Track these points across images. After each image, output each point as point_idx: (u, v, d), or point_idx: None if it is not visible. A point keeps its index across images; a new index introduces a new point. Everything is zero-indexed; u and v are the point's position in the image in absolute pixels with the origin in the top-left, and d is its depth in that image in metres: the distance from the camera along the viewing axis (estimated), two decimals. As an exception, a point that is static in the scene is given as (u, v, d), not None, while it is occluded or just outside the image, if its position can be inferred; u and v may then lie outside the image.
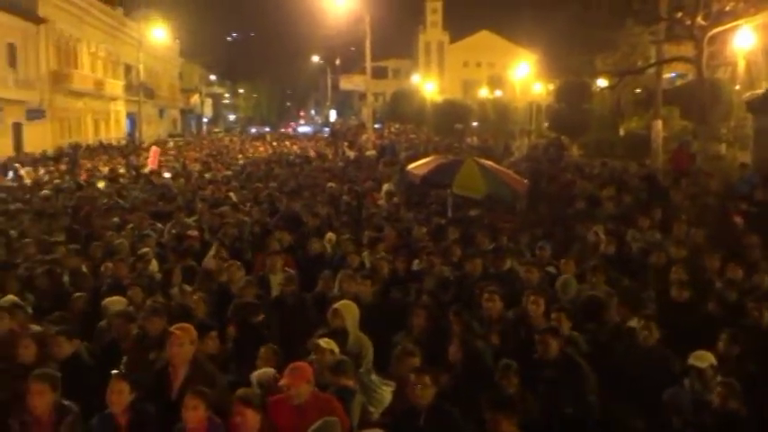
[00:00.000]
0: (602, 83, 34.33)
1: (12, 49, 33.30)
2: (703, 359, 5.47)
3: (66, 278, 8.47)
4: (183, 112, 72.84)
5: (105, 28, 46.93)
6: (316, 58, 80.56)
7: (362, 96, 58.78)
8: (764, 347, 6.04)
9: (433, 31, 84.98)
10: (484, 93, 64.42)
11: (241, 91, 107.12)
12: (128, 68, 50.77)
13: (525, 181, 12.93)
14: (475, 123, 52.57)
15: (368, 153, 29.15)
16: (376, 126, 51.65)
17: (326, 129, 65.84)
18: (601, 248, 9.52)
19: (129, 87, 49.49)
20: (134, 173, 22.18)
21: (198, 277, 8.38)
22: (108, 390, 4.76)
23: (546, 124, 44.56)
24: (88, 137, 41.78)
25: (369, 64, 36.91)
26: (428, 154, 20.54)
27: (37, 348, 5.75)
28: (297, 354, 5.70)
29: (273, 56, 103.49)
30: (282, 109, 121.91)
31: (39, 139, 34.20)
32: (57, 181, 19.60)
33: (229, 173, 21.38)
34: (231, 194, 15.02)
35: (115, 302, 7.02)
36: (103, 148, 36.14)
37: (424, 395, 4.92)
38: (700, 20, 18.46)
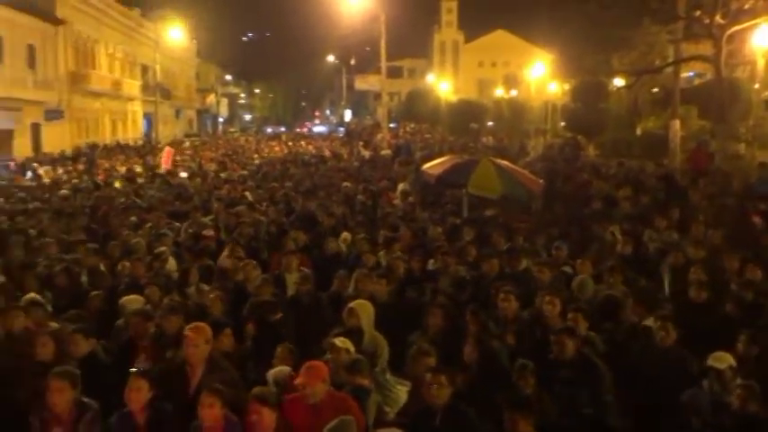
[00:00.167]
0: (618, 82, 34.08)
1: (31, 51, 33.69)
2: (722, 360, 5.42)
3: (84, 277, 8.57)
4: (199, 112, 73.29)
5: (123, 29, 47.34)
6: (331, 58, 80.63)
7: (377, 96, 58.87)
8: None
9: (448, 31, 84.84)
10: (499, 92, 64.20)
11: (257, 91, 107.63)
12: (144, 69, 51.19)
13: (541, 181, 12.87)
14: (490, 123, 52.41)
15: (383, 153, 29.17)
16: (391, 126, 51.64)
17: (341, 128, 65.95)
18: (617, 249, 9.46)
19: (145, 88, 49.89)
20: (150, 173, 22.34)
21: (214, 276, 8.44)
22: (126, 388, 4.80)
23: (562, 124, 44.34)
24: (105, 137, 42.17)
25: (384, 64, 36.94)
26: (443, 154, 20.50)
27: (55, 346, 5.81)
28: (312, 353, 5.72)
29: (289, 56, 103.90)
30: (298, 109, 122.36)
31: (57, 139, 34.58)
32: (75, 181, 19.79)
33: (245, 172, 21.48)
34: (247, 194, 15.08)
35: (132, 301, 7.07)
36: (120, 148, 36.44)
37: (440, 395, 4.91)
38: (718, 18, 18.28)
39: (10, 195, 15.90)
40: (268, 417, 4.60)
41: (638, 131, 33.07)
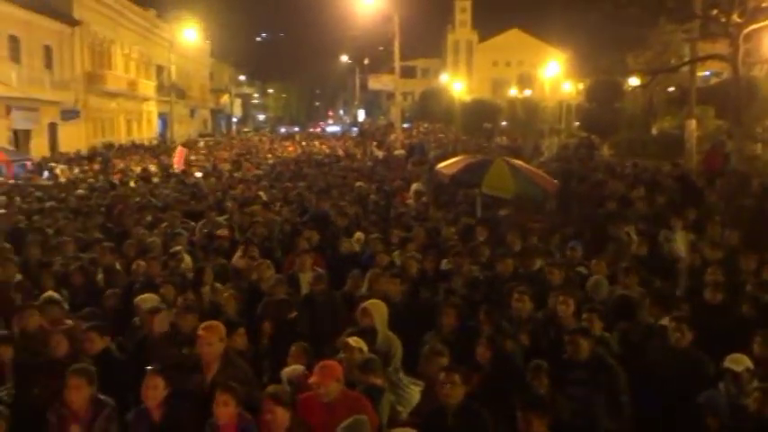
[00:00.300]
0: (633, 81, 33.86)
1: (48, 52, 34.04)
2: (739, 362, 5.37)
3: (99, 275, 8.64)
4: (213, 112, 73.69)
5: (138, 29, 47.70)
6: (344, 58, 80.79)
7: (391, 96, 58.79)
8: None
9: (462, 31, 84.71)
10: (513, 92, 64.00)
11: (270, 91, 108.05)
12: (160, 69, 51.56)
13: (555, 181, 12.81)
14: (504, 123, 52.29)
15: (396, 152, 29.15)
16: (404, 126, 51.66)
17: (355, 128, 66.00)
18: (632, 249, 9.41)
19: (160, 88, 50.25)
20: (165, 172, 22.49)
21: (229, 276, 8.49)
22: (143, 385, 4.85)
23: (576, 124, 44.15)
24: (121, 137, 42.52)
25: (397, 63, 36.90)
26: (457, 153, 20.46)
27: (69, 344, 5.87)
28: (326, 352, 5.73)
29: (302, 56, 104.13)
30: (311, 109, 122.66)
31: (73, 138, 34.90)
32: (91, 180, 19.95)
33: (260, 172, 21.56)
34: (261, 194, 15.14)
35: (147, 300, 7.12)
36: (135, 148, 36.72)
37: (453, 394, 4.91)
38: (735, 17, 18.11)
39: (27, 195, 16.05)
40: (282, 415, 4.62)
41: (654, 131, 32.85)
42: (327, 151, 34.20)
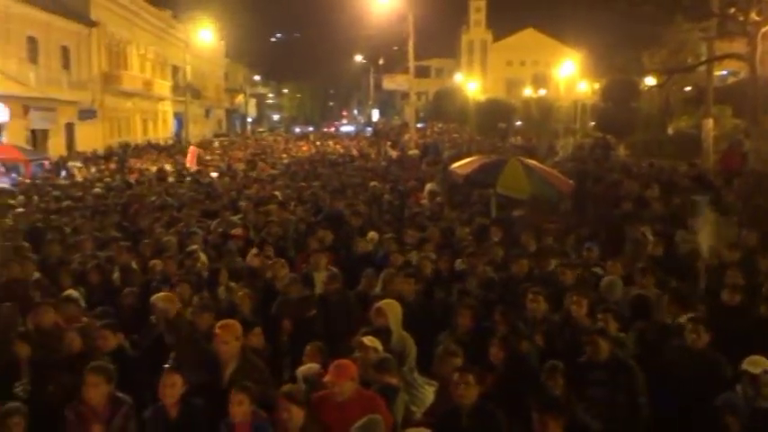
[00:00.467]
0: (649, 81, 33.63)
1: (65, 52, 34.37)
2: (757, 364, 5.32)
3: (116, 274, 8.71)
4: (228, 112, 74.01)
5: (154, 30, 48.04)
6: (359, 58, 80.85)
7: (405, 96, 58.84)
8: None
9: (476, 30, 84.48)
10: (528, 92, 63.77)
11: (285, 91, 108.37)
12: (175, 69, 51.87)
13: (570, 181, 12.75)
14: (518, 123, 52.13)
15: (411, 152, 29.14)
16: (419, 125, 51.60)
17: (369, 128, 66.05)
18: (648, 250, 9.34)
19: (176, 88, 50.55)
20: (180, 172, 22.63)
21: (243, 275, 8.53)
22: (161, 383, 4.90)
23: (591, 123, 43.91)
24: (137, 136, 42.83)
25: (412, 63, 36.93)
26: (471, 153, 20.42)
27: (82, 341, 5.93)
28: (341, 351, 5.75)
29: (317, 56, 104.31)
30: (325, 109, 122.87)
31: (90, 138, 35.22)
32: (107, 179, 20.13)
33: (275, 172, 21.64)
34: (277, 193, 15.20)
35: (163, 298, 7.16)
36: (151, 148, 36.98)
37: (467, 394, 4.91)
38: (753, 15, 17.94)
39: (45, 194, 16.22)
40: (297, 414, 4.66)
41: (670, 131, 32.59)
42: (342, 151, 34.24)
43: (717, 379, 5.62)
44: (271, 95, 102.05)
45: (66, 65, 34.38)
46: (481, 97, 60.98)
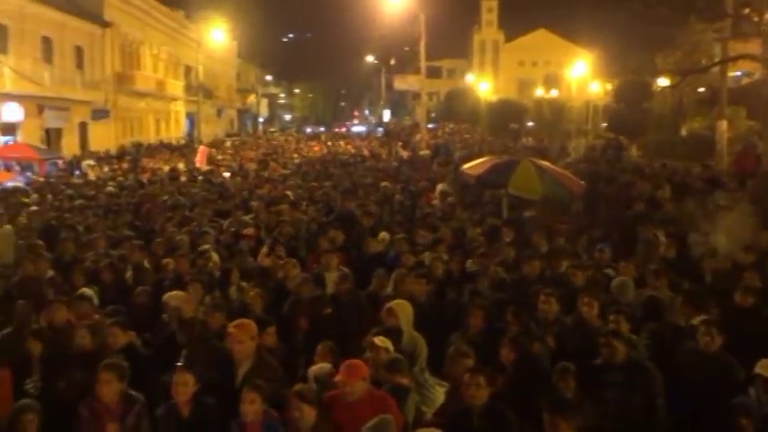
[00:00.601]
0: (663, 82, 33.42)
1: (79, 52, 34.63)
2: (770, 368, 5.28)
3: (128, 273, 8.77)
4: (239, 111, 74.25)
5: (167, 30, 48.28)
6: (370, 58, 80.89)
7: (416, 96, 58.78)
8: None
9: (488, 30, 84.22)
10: (539, 92, 63.56)
11: (297, 91, 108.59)
12: (188, 69, 52.12)
13: (582, 182, 12.71)
14: (530, 123, 51.97)
15: (422, 153, 29.14)
16: (430, 126, 51.57)
17: (380, 128, 66.07)
18: (661, 251, 9.29)
19: (188, 88, 50.79)
20: (191, 171, 22.74)
21: (255, 275, 8.57)
22: (173, 381, 4.93)
23: (604, 124, 43.72)
24: (149, 136, 43.07)
25: (423, 64, 36.92)
26: (482, 154, 20.38)
27: (93, 338, 5.98)
28: (352, 351, 5.76)
29: (329, 56, 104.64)
30: (337, 109, 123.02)
31: (103, 137, 35.46)
32: (120, 178, 20.26)
33: (286, 171, 21.70)
34: (289, 193, 15.24)
35: (175, 297, 7.22)
36: (163, 147, 37.17)
37: (478, 395, 4.90)
38: (768, 16, 17.80)
39: (59, 192, 16.35)
40: (308, 413, 4.68)
41: (683, 132, 32.39)
42: (353, 151, 34.27)
43: (730, 382, 5.58)
44: (282, 95, 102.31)
45: (79, 65, 34.63)
46: (493, 98, 60.84)
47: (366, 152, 32.28)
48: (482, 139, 39.38)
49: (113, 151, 33.14)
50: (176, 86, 49.16)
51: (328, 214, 12.65)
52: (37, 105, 28.82)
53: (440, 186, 15.67)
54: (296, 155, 32.21)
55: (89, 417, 4.89)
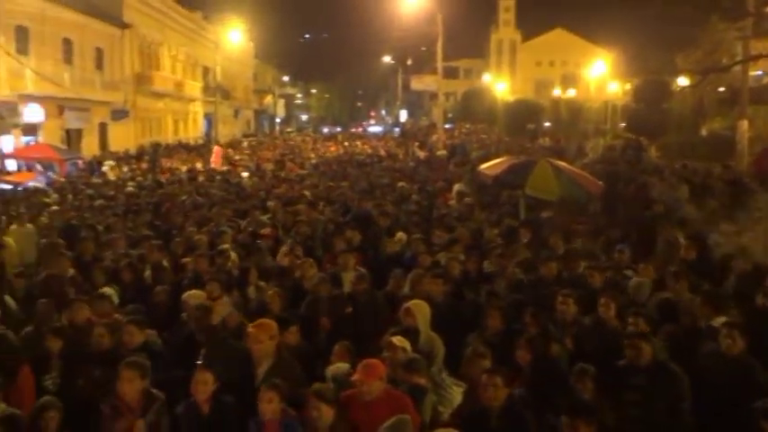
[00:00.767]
0: (683, 81, 33.09)
1: (99, 54, 35.01)
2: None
3: (147, 272, 8.84)
4: (256, 112, 74.58)
5: (185, 32, 48.63)
6: (387, 59, 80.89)
7: (433, 96, 58.73)
8: None
9: (505, 30, 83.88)
10: (557, 92, 63.18)
11: (313, 91, 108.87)
12: (205, 70, 52.45)
13: (600, 183, 12.62)
14: (547, 123, 51.70)
15: (438, 153, 29.10)
16: (446, 126, 51.47)
17: (397, 129, 66.03)
18: (681, 253, 9.19)
19: (206, 89, 51.12)
20: (209, 171, 22.90)
21: (273, 274, 8.60)
22: (193, 379, 4.97)
23: (622, 125, 43.37)
24: (168, 136, 43.41)
25: (440, 64, 36.90)
26: (499, 154, 20.31)
27: (110, 336, 6.03)
28: (369, 351, 5.76)
29: (345, 56, 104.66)
30: (353, 109, 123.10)
31: (122, 138, 35.81)
32: (139, 178, 20.45)
33: (303, 172, 21.78)
34: (306, 193, 15.29)
35: (194, 296, 7.27)
36: (181, 148, 37.45)
37: (496, 396, 4.89)
38: (791, 15, 17.56)
39: (79, 192, 16.53)
40: (326, 412, 4.70)
41: (704, 132, 32.05)
42: (369, 151, 34.29)
43: (751, 385, 5.51)
44: (299, 96, 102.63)
45: (99, 66, 35.00)
46: (509, 98, 60.60)
47: (383, 152, 32.29)
48: (499, 140, 39.24)
49: (132, 151, 33.44)
50: (194, 87, 49.50)
51: (345, 214, 12.68)
52: (57, 106, 29.17)
53: (456, 187, 15.64)
54: (312, 154, 32.29)
55: (111, 414, 4.94)
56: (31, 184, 18.60)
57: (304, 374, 5.46)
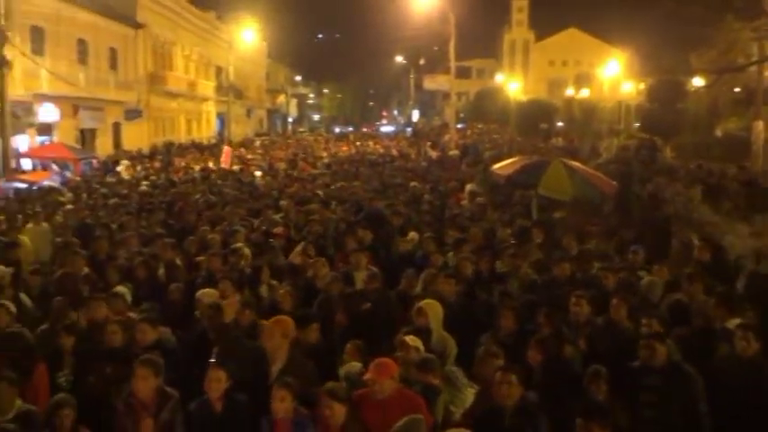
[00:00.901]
0: (697, 81, 32.85)
1: (113, 54, 35.25)
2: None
3: (161, 270, 8.89)
4: (269, 111, 74.81)
5: (198, 31, 48.88)
6: (399, 58, 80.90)
7: (446, 96, 58.64)
8: None
9: (518, 30, 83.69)
10: (570, 92, 62.89)
11: (326, 91, 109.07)
12: (218, 70, 52.69)
13: (614, 183, 12.55)
14: (560, 123, 51.46)
15: (451, 153, 29.07)
16: (459, 126, 51.37)
17: (409, 128, 66.01)
18: (695, 254, 9.13)
19: (219, 88, 51.35)
20: (222, 171, 22.98)
21: (284, 273, 8.62)
22: (206, 377, 4.99)
23: (636, 124, 43.11)
24: (181, 136, 43.65)
25: (453, 63, 36.80)
26: (512, 154, 20.26)
27: (123, 334, 6.07)
28: (381, 350, 5.76)
29: (358, 56, 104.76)
30: (365, 109, 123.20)
31: (136, 137, 36.05)
32: (152, 178, 20.56)
33: (315, 171, 21.81)
34: (319, 192, 15.32)
35: (207, 294, 7.31)
36: (194, 147, 37.63)
37: (510, 394, 4.87)
38: (808, 14, 17.38)
39: (93, 191, 16.64)
40: (339, 411, 4.70)
41: (718, 133, 31.80)
42: (381, 151, 34.29)
43: (766, 387, 5.46)
44: (311, 96, 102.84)
45: (113, 66, 35.25)
46: (522, 98, 60.37)
47: (395, 152, 32.28)
48: (511, 140, 39.11)
49: (146, 151, 33.64)
50: (207, 87, 49.74)
51: (357, 213, 12.68)
52: (72, 106, 29.40)
53: (469, 187, 15.62)
54: (325, 154, 32.32)
55: (125, 412, 4.97)
56: (46, 183, 18.74)
57: (317, 373, 5.46)
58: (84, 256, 9.05)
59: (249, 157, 30.25)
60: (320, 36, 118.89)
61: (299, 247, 9.52)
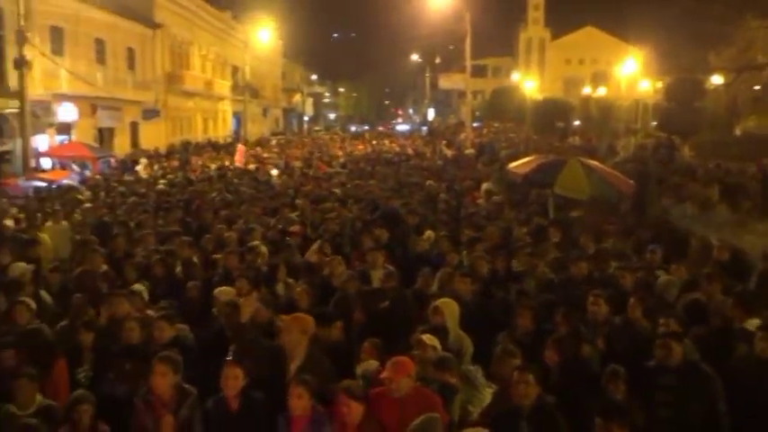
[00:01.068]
0: (716, 80, 32.51)
1: (131, 53, 35.54)
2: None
3: (178, 268, 8.95)
4: (285, 110, 75.02)
5: (215, 31, 49.14)
6: (415, 57, 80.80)
7: (461, 95, 58.47)
8: None
9: (534, 28, 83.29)
10: (586, 90, 62.50)
11: (341, 90, 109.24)
12: (235, 69, 52.92)
13: (631, 182, 12.45)
14: (577, 122, 51.15)
15: (467, 152, 29.00)
16: (475, 125, 51.22)
17: (424, 127, 65.94)
18: (714, 254, 9.04)
19: (235, 87, 51.59)
20: (237, 170, 23.09)
21: (301, 271, 8.65)
22: (223, 374, 5.01)
23: (654, 123, 42.74)
24: (197, 135, 43.91)
25: (468, 62, 36.65)
26: (528, 153, 20.18)
27: (141, 332, 6.12)
28: (398, 349, 5.76)
29: (373, 55, 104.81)
30: (381, 108, 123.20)
31: (153, 136, 36.31)
32: (170, 176, 20.71)
33: (331, 170, 21.86)
34: (336, 190, 15.35)
35: (225, 292, 7.35)
36: (211, 146, 37.84)
37: (528, 394, 4.85)
38: (830, 10, 17.13)
39: (111, 190, 16.80)
40: (356, 409, 4.71)
41: (737, 132, 31.46)
42: (397, 150, 34.28)
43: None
44: (327, 94, 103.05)
45: (131, 65, 35.52)
46: (538, 96, 60.10)
47: (410, 151, 32.26)
48: (527, 138, 38.94)
49: (163, 150, 33.89)
50: (224, 86, 49.98)
51: (373, 212, 12.69)
52: (91, 105, 29.68)
53: (485, 185, 15.59)
54: (340, 153, 32.38)
55: (144, 409, 5.01)
56: (65, 181, 18.95)
57: (334, 370, 5.47)
58: (103, 254, 9.13)
59: (265, 155, 30.36)
60: (336, 35, 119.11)
61: (315, 246, 9.55)
